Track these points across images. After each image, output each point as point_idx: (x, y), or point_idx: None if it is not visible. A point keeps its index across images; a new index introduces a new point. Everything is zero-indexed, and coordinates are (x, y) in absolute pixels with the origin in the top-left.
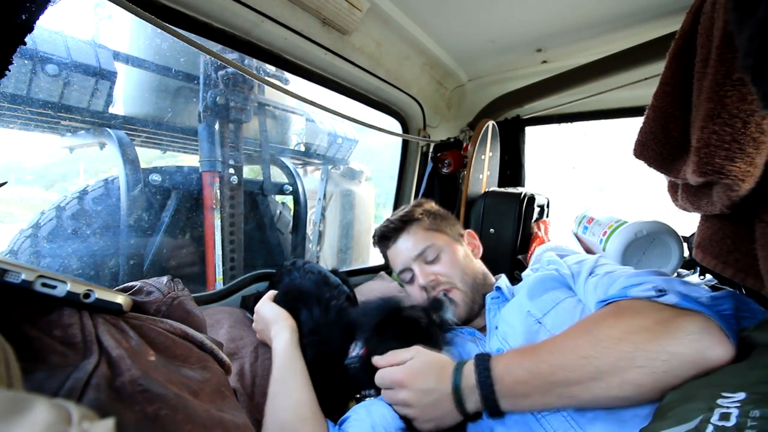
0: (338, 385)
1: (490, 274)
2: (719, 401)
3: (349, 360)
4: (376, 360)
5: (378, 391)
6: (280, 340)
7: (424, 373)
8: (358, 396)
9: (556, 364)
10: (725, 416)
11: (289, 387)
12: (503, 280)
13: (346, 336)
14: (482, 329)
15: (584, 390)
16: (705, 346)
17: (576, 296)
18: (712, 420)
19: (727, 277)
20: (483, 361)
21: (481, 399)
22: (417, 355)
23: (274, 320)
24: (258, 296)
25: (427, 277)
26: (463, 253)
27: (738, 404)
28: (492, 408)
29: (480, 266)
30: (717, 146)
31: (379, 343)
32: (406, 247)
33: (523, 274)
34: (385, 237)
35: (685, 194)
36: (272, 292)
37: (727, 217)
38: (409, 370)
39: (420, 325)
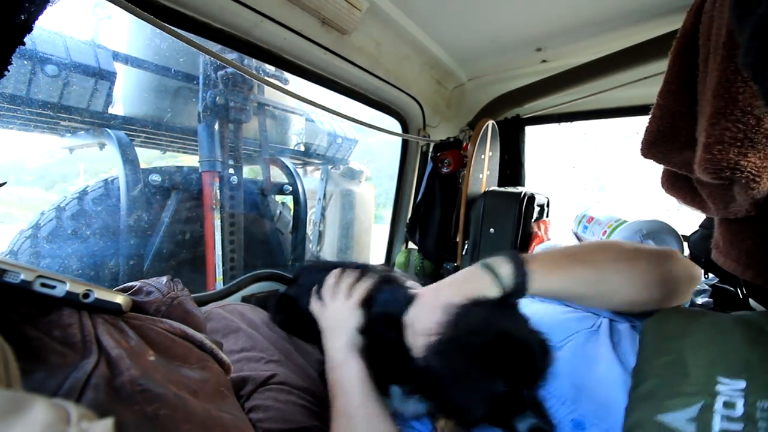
0: None
1: None
2: (719, 387)
3: None
4: None
5: None
6: (350, 368)
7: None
8: None
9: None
10: (729, 405)
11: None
12: None
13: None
14: None
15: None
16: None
17: None
18: (716, 407)
19: (736, 277)
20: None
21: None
22: None
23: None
24: (259, 297)
25: None
26: None
27: (741, 394)
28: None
29: None
30: (730, 143)
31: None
32: None
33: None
34: None
35: (711, 198)
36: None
37: (749, 219)
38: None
39: None
